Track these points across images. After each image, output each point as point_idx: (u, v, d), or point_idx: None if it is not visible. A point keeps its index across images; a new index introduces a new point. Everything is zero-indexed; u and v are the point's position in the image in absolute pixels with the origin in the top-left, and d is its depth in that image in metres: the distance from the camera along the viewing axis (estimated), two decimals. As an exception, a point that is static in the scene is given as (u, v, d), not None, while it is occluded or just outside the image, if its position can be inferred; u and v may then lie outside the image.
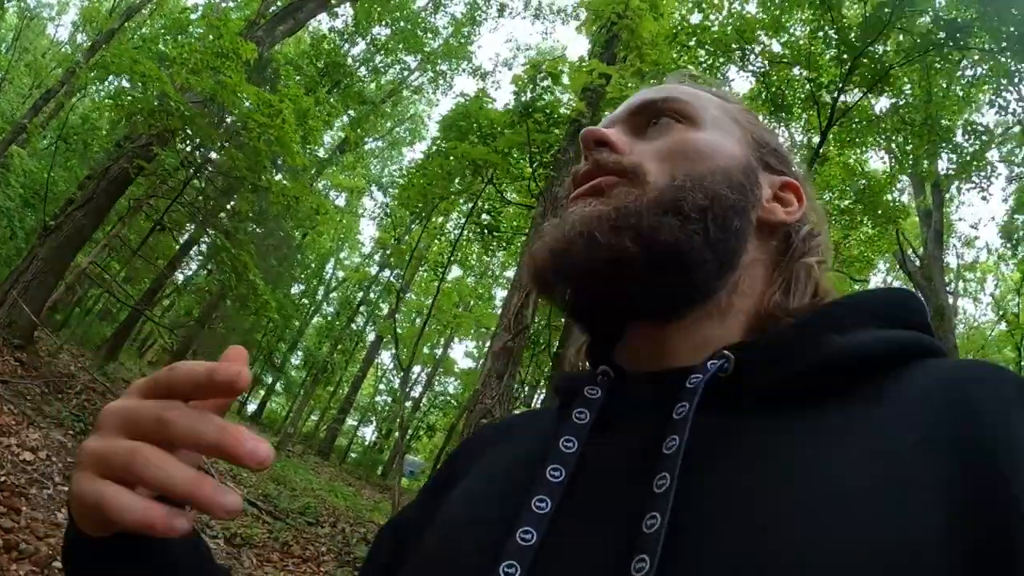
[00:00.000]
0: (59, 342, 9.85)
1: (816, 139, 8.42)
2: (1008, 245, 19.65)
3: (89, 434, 0.41)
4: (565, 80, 7.14)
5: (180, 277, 18.76)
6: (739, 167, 0.57)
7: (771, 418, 0.44)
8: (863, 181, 10.21)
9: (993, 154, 12.47)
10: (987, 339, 23.09)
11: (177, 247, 13.64)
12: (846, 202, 10.44)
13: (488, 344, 7.48)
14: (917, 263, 12.75)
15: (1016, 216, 17.82)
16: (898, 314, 0.50)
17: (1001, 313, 20.93)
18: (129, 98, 8.84)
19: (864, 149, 9.99)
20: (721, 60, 8.58)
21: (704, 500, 0.41)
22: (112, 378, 12.59)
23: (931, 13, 7.46)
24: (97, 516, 0.40)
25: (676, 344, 0.53)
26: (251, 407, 31.03)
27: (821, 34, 8.10)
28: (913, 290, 0.57)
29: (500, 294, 23.97)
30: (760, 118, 0.68)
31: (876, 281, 19.84)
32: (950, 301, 15.83)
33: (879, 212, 9.85)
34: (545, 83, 7.07)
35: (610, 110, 6.75)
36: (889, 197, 10.20)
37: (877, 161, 12.73)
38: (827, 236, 0.63)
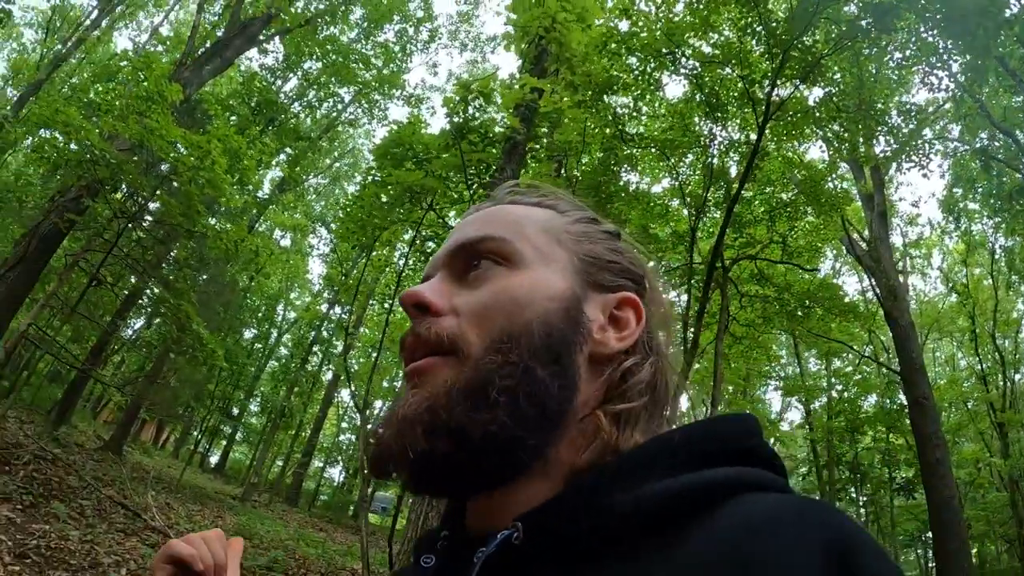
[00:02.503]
0: (2, 409, 9.40)
1: (755, 136, 8.53)
2: (950, 219, 20.27)
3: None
4: (497, 99, 7.09)
5: (128, 332, 18.21)
6: (559, 310, 0.55)
7: None
8: (803, 172, 10.40)
9: (927, 132, 12.86)
10: (939, 312, 23.73)
11: (119, 301, 13.22)
12: (788, 194, 10.62)
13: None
14: (864, 246, 13.04)
15: (955, 190, 18.32)
16: (711, 449, 0.49)
17: (951, 285, 21.56)
18: (53, 150, 8.54)
19: (801, 141, 10.19)
20: (652, 66, 8.64)
21: None
22: (64, 443, 12.07)
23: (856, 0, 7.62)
24: (171, 561, 0.71)
25: (502, 506, 0.53)
26: (213, 459, 30.29)
27: (750, 31, 8.22)
28: (741, 413, 0.54)
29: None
30: (596, 222, 0.65)
31: (825, 268, 20.30)
32: (900, 280, 16.20)
33: (821, 201, 10.04)
34: (477, 103, 7.01)
35: (546, 124, 6.70)
36: (829, 185, 10.40)
37: (816, 151, 13.02)
38: (669, 343, 0.63)
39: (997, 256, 19.39)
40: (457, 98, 6.75)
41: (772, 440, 21.75)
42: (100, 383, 13.24)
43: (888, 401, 18.55)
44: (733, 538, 0.41)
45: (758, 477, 0.48)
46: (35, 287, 9.76)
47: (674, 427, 0.57)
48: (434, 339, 0.54)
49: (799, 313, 11.52)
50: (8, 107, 17.36)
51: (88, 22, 17.74)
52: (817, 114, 9.10)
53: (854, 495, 21.02)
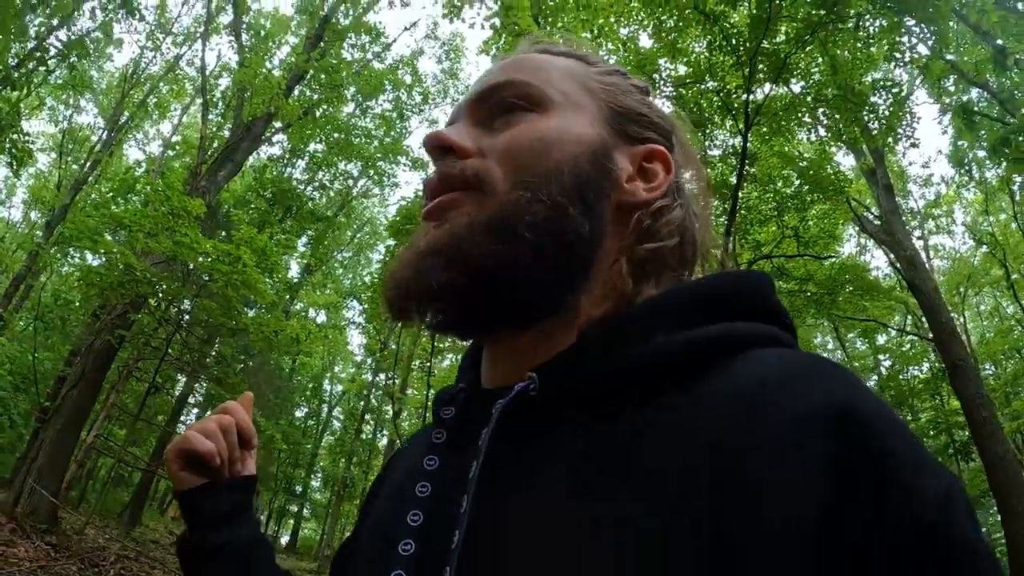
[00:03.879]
0: (83, 518, 9.92)
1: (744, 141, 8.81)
2: (962, 171, 19.99)
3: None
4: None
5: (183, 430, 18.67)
6: (588, 153, 0.55)
7: (569, 434, 0.46)
8: (802, 163, 10.59)
9: (920, 94, 12.89)
10: (973, 267, 23.22)
11: (173, 402, 13.74)
12: (791, 188, 10.80)
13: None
14: (877, 222, 13.09)
15: (960, 142, 18.15)
16: (719, 305, 0.49)
17: (976, 238, 21.12)
18: (97, 276, 9.13)
19: (790, 135, 10.39)
20: (631, 97, 8.95)
21: (492, 525, 0.45)
22: (140, 541, 12.55)
23: (805, -5, 7.86)
24: (184, 456, 0.71)
25: (524, 356, 0.53)
26: (284, 539, 30.64)
27: (716, 46, 8.53)
28: (753, 271, 0.55)
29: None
30: (626, 76, 0.65)
31: (849, 248, 20.09)
32: (920, 245, 16.08)
33: (824, 186, 10.19)
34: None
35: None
36: (830, 169, 10.58)
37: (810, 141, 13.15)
38: (706, 206, 0.62)
39: (1019, 199, 19.01)
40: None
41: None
42: (166, 480, 13.68)
43: (929, 368, 18.20)
44: (746, 390, 0.41)
45: (771, 333, 0.48)
46: (95, 401, 10.34)
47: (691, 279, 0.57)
48: (458, 175, 0.54)
49: (826, 300, 11.58)
50: (38, 233, 18.28)
51: (98, 143, 18.63)
52: (798, 108, 9.31)
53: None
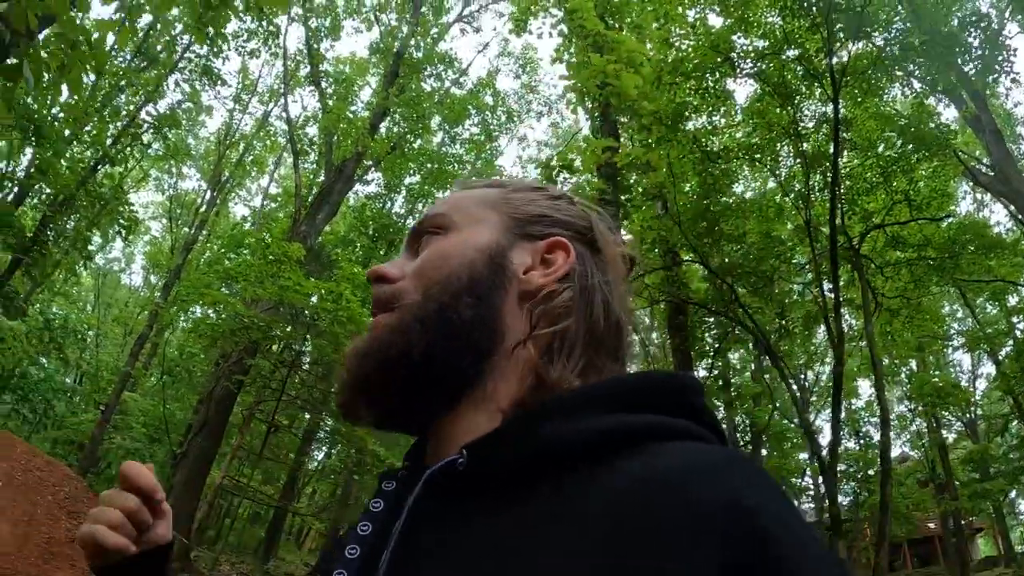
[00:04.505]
0: (214, 555, 10.46)
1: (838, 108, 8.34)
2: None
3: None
4: (578, 164, 7.37)
5: (314, 464, 19.63)
6: (483, 257, 0.62)
7: (486, 503, 0.50)
8: (900, 122, 9.94)
9: (1011, 27, 11.87)
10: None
11: (299, 439, 14.35)
12: (894, 151, 10.15)
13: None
14: (990, 173, 12.10)
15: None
16: (644, 398, 0.52)
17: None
18: (208, 327, 9.69)
19: (883, 93, 9.78)
20: (711, 80, 8.69)
21: None
22: (274, 575, 13.11)
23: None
24: (93, 547, 0.71)
25: (450, 436, 0.58)
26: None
27: (789, 12, 8.13)
28: (680, 372, 0.60)
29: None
30: (539, 189, 0.70)
31: (964, 208, 18.63)
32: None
33: (928, 143, 9.53)
34: (563, 176, 7.32)
35: (633, 172, 6.84)
36: (931, 124, 9.89)
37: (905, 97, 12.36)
38: (622, 285, 0.66)
39: None
40: (543, 178, 7.08)
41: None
42: (297, 515, 14.33)
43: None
44: (646, 483, 0.43)
45: (690, 429, 0.50)
46: (221, 443, 10.92)
47: (617, 374, 0.60)
48: (381, 297, 0.64)
49: (948, 264, 10.80)
50: (157, 294, 19.69)
51: (203, 204, 19.93)
52: (887, 64, 8.77)
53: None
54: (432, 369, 0.58)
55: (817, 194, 9.96)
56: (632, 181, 8.33)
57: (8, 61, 3.70)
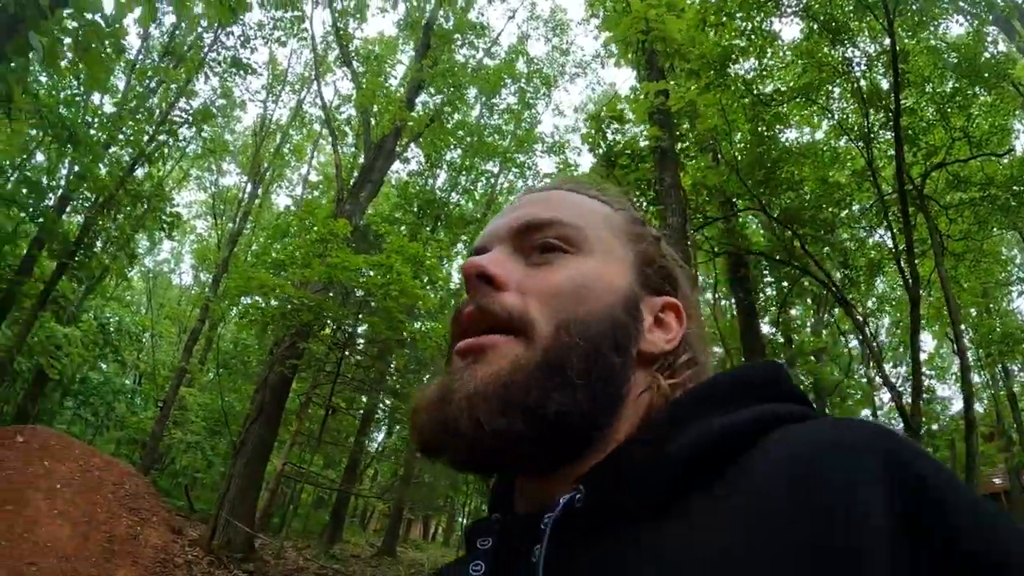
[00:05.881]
0: (279, 542, 10.60)
1: (888, 42, 7.90)
2: None
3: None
4: (629, 115, 7.13)
5: (374, 445, 19.90)
6: (622, 302, 0.57)
7: (617, 542, 0.46)
8: (954, 55, 9.45)
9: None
10: None
11: (357, 421, 14.46)
12: (950, 85, 9.65)
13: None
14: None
15: None
16: (745, 391, 0.51)
17: None
18: (257, 312, 9.69)
19: (937, 23, 9.27)
20: (758, 19, 8.32)
21: None
22: (340, 558, 13.29)
23: None
24: None
25: (556, 483, 0.53)
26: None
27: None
28: (768, 361, 0.57)
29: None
30: (644, 220, 0.67)
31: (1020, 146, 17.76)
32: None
33: (985, 75, 9.06)
34: (613, 127, 7.09)
35: (685, 120, 6.58)
36: (986, 54, 9.39)
37: (958, 27, 11.77)
38: (707, 355, 0.63)
39: None
40: (593, 131, 6.87)
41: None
42: (360, 497, 14.50)
43: None
44: (796, 461, 0.41)
45: (797, 410, 0.49)
46: (279, 430, 11.01)
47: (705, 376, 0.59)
48: (500, 313, 0.54)
49: (1012, 204, 10.29)
50: (207, 289, 20.06)
51: (246, 197, 20.19)
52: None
53: None
54: (585, 428, 0.52)
55: (877, 133, 9.53)
56: (684, 130, 8.02)
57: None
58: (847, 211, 10.71)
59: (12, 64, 3.70)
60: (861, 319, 10.72)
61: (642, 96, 6.83)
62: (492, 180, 21.49)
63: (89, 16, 3.93)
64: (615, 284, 0.57)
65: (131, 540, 7.31)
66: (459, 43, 16.21)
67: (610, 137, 7.05)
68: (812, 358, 15.15)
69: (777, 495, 0.40)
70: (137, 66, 14.96)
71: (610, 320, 0.55)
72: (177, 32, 15.09)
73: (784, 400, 0.51)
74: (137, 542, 7.38)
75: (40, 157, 14.00)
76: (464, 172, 19.65)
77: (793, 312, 17.18)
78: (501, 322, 0.53)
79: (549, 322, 0.53)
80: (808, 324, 18.50)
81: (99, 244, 15.44)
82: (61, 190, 12.45)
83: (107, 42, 4.23)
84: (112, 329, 17.99)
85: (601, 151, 7.25)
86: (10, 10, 3.40)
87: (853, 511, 0.37)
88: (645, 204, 7.01)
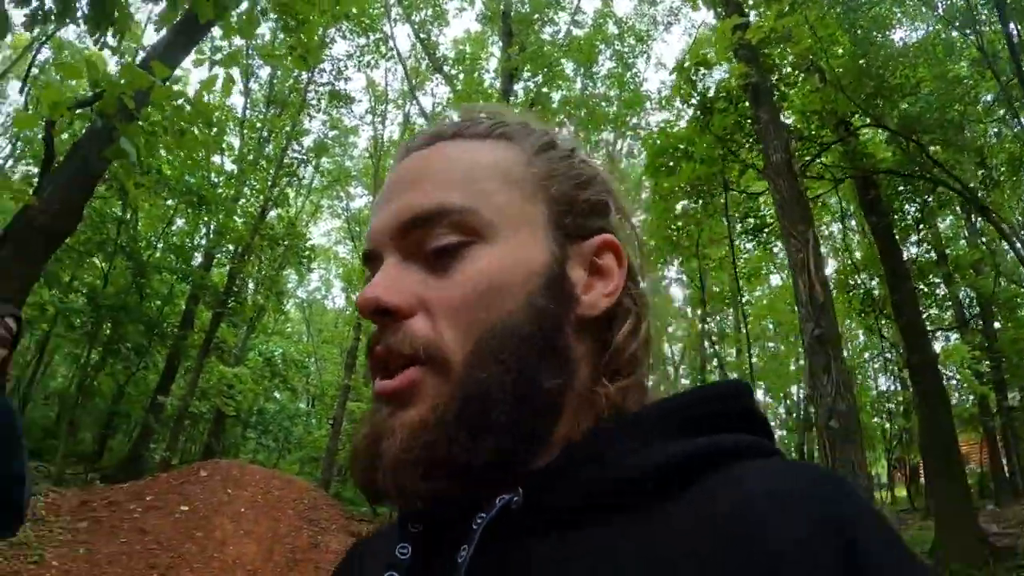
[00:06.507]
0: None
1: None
2: None
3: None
4: (712, 56, 6.72)
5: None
6: (543, 285, 0.49)
7: (550, 546, 0.44)
8: None
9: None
10: None
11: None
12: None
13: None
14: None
15: None
16: (707, 417, 0.47)
17: None
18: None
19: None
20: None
21: None
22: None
23: None
24: None
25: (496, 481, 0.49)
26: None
27: None
28: (731, 379, 0.55)
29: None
30: (561, 135, 0.58)
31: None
32: None
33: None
34: (701, 73, 6.71)
35: (775, 49, 6.08)
36: None
37: None
38: (652, 279, 0.58)
39: None
40: (682, 83, 6.55)
41: None
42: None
43: None
44: (736, 505, 0.39)
45: (755, 444, 0.46)
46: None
47: (668, 394, 0.51)
48: (410, 352, 0.48)
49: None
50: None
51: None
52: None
53: None
54: (515, 456, 0.48)
55: (985, 15, 8.35)
56: (775, 60, 7.40)
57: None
58: (974, 105, 9.45)
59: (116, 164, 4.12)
60: (1005, 225, 9.50)
61: (719, 36, 6.39)
62: (609, 149, 21.22)
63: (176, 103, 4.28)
64: (531, 264, 0.50)
65: (312, 549, 7.91)
66: (539, 23, 15.97)
67: (699, 85, 6.64)
68: (971, 271, 13.52)
69: (702, 539, 0.39)
70: (244, 122, 16.16)
71: (533, 314, 0.49)
72: (274, 81, 16.12)
73: (739, 426, 0.47)
74: (318, 550, 7.97)
75: (180, 222, 15.51)
76: (584, 147, 19.55)
77: (942, 225, 15.43)
78: (410, 360, 0.48)
79: (465, 344, 0.47)
80: (963, 235, 16.57)
81: (250, 287, 16.96)
82: (203, 247, 13.81)
83: (197, 123, 4.60)
84: (278, 361, 19.64)
85: (695, 101, 6.86)
86: (98, 125, 3.74)
87: (779, 569, 0.36)
88: (749, 145, 6.58)
